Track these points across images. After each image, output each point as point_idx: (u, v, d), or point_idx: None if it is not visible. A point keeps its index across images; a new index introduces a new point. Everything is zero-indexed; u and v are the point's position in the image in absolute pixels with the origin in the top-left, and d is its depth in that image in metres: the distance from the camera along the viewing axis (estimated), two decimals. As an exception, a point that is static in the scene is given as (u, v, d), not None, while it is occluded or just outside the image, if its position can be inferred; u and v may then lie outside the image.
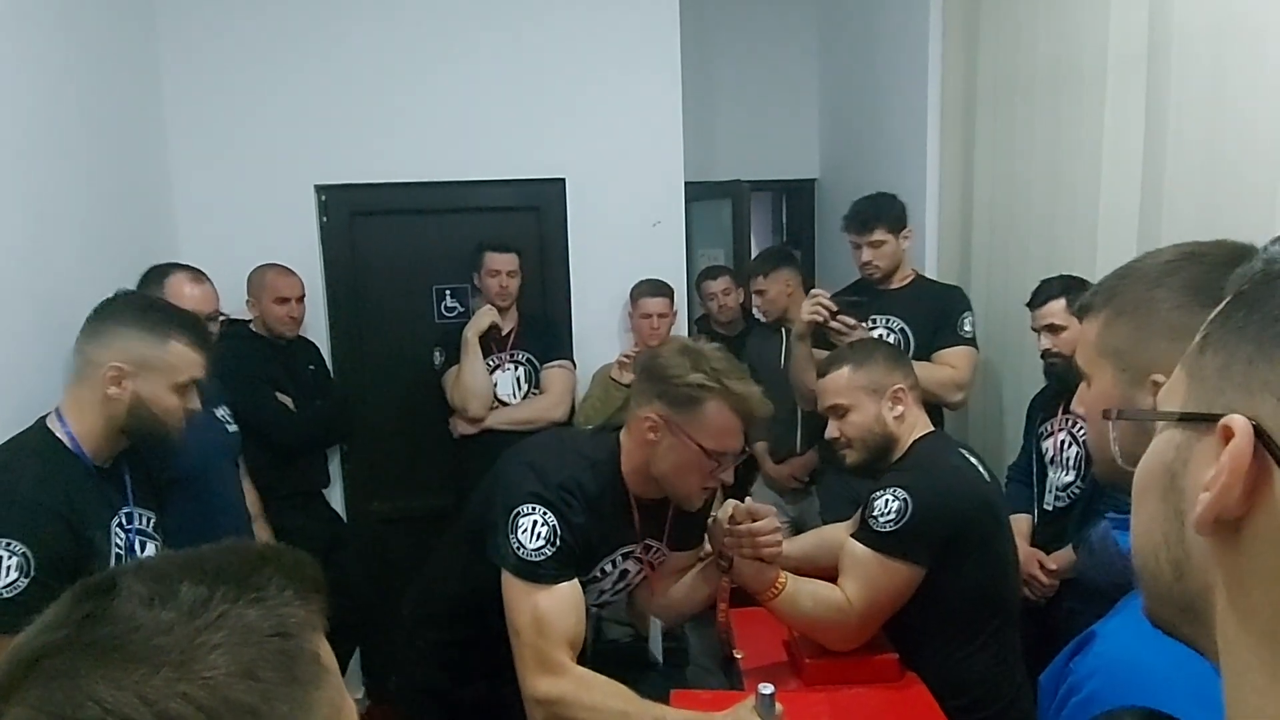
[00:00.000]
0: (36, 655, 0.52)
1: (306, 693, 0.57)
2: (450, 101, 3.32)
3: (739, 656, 1.95)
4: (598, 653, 1.91)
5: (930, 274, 3.44)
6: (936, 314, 2.91)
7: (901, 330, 2.93)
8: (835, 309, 2.71)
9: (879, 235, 2.92)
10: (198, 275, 2.40)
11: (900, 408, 1.95)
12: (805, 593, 1.81)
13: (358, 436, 3.44)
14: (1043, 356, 2.53)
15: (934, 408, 2.70)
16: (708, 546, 1.97)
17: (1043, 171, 2.80)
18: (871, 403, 1.95)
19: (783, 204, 5.56)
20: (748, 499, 1.84)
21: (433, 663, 1.94)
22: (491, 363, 3.20)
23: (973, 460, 1.95)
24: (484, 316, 3.15)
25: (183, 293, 2.34)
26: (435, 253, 3.46)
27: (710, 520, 1.88)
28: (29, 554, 1.51)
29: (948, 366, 2.82)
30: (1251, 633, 0.46)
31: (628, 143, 3.38)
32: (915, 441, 1.95)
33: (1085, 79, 2.56)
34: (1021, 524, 2.54)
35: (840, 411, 1.99)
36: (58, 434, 1.69)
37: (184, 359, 1.74)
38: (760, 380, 3.33)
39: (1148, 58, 2.30)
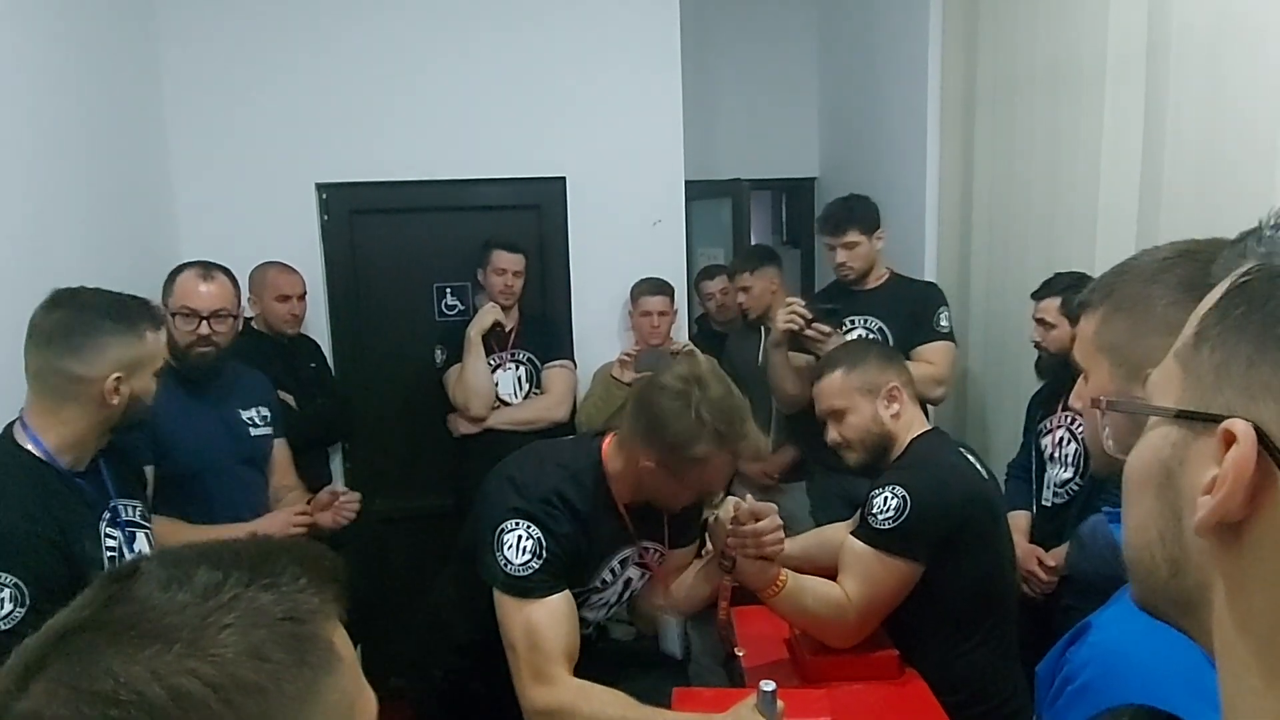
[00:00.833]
0: (61, 633, 0.55)
1: (317, 677, 0.58)
2: (451, 100, 3.32)
3: (740, 654, 1.96)
4: (599, 652, 1.91)
5: (929, 273, 3.45)
6: (913, 311, 2.94)
7: (880, 330, 2.95)
8: (810, 317, 2.74)
9: (852, 237, 2.95)
10: (211, 272, 2.32)
11: (896, 405, 1.97)
12: (806, 590, 1.82)
13: (358, 435, 3.45)
14: (1036, 346, 2.58)
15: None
16: (709, 545, 1.97)
17: (1042, 170, 2.81)
18: (867, 403, 1.96)
19: (783, 203, 5.57)
20: (749, 497, 1.84)
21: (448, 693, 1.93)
22: (493, 362, 3.20)
23: (970, 458, 1.96)
24: (487, 315, 3.16)
25: (185, 289, 2.29)
26: (436, 251, 3.47)
27: (711, 520, 1.88)
28: (20, 584, 1.48)
29: (925, 363, 2.84)
30: (1250, 634, 0.46)
31: (628, 141, 3.38)
32: (913, 439, 1.96)
33: (1084, 78, 2.57)
34: (1020, 520, 2.55)
35: (838, 415, 1.99)
36: (28, 447, 1.62)
37: (158, 345, 1.74)
38: (738, 378, 3.36)
39: (1147, 57, 2.31)
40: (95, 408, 1.65)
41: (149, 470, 2.14)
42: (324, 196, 3.37)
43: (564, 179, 3.42)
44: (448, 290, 3.49)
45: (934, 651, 1.85)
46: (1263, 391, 0.45)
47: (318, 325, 3.33)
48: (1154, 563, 0.52)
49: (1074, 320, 1.17)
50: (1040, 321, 2.53)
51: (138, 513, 1.82)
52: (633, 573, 1.90)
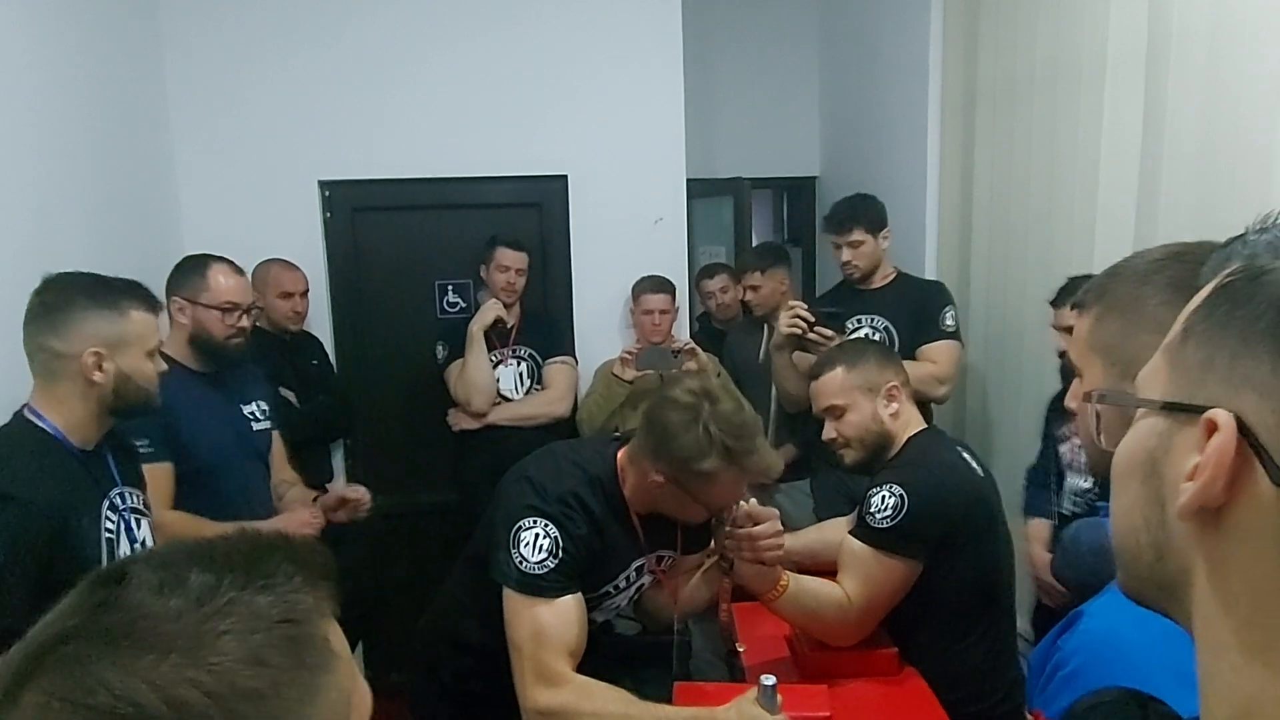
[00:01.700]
0: (50, 643, 0.53)
1: (315, 677, 0.57)
2: (454, 98, 3.33)
3: (741, 650, 1.98)
4: (602, 646, 1.92)
5: (930, 271, 3.46)
6: (919, 310, 2.94)
7: (886, 329, 2.96)
8: (813, 320, 2.75)
9: (857, 235, 2.96)
10: (236, 266, 2.39)
11: (895, 404, 1.98)
12: (807, 592, 1.82)
13: (360, 431, 3.46)
14: (1060, 356, 2.53)
15: (921, 404, 2.72)
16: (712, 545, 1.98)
17: (1042, 169, 2.82)
18: (867, 401, 1.97)
19: (784, 201, 5.58)
20: (751, 500, 1.83)
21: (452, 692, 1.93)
22: (494, 358, 3.21)
23: (967, 456, 1.97)
24: (489, 311, 3.17)
25: (223, 283, 2.32)
26: (438, 248, 3.48)
27: (714, 520, 1.88)
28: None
29: (929, 362, 2.85)
30: (1230, 614, 0.48)
31: (630, 140, 3.39)
32: (910, 438, 1.97)
33: (1084, 78, 2.58)
34: (1041, 530, 2.54)
35: (836, 412, 2.00)
36: (39, 424, 1.66)
37: (148, 325, 1.74)
38: (737, 375, 3.35)
39: (1146, 57, 2.31)
40: (83, 385, 1.66)
41: (168, 467, 2.18)
42: (327, 194, 3.38)
43: (565, 177, 3.43)
44: (449, 287, 3.50)
45: (932, 649, 1.87)
46: (1244, 384, 0.47)
47: (320, 322, 3.34)
48: (1139, 548, 0.54)
49: None
50: (1067, 329, 2.47)
51: (140, 500, 1.84)
52: (645, 579, 1.91)
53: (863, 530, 1.85)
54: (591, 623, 1.76)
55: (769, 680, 1.53)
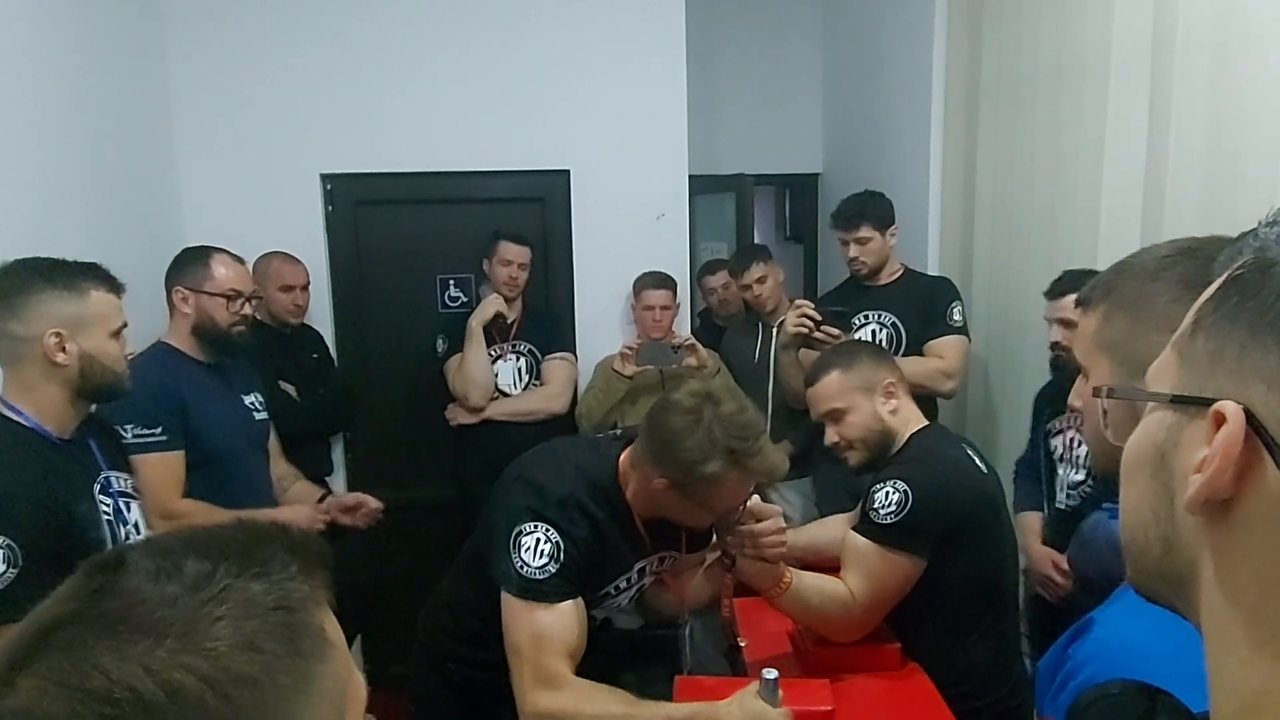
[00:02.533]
0: (47, 628, 0.53)
1: (309, 665, 0.57)
2: (456, 92, 3.33)
3: (743, 645, 1.97)
4: (602, 641, 1.91)
5: (933, 268, 3.45)
6: (926, 306, 2.95)
7: (894, 325, 2.96)
8: (819, 319, 2.75)
9: (864, 232, 2.96)
10: (236, 256, 2.41)
11: (894, 401, 1.97)
12: (810, 588, 1.82)
13: (360, 425, 3.46)
14: (1051, 348, 2.52)
15: (928, 399, 2.72)
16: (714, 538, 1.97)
17: (1045, 167, 2.81)
18: (866, 401, 1.97)
19: (786, 198, 5.57)
20: (753, 496, 1.82)
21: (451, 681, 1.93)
22: (493, 352, 3.21)
23: (971, 453, 1.97)
24: (490, 305, 3.17)
25: (226, 272, 2.34)
26: (440, 243, 3.47)
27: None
28: (12, 545, 1.49)
29: (936, 357, 2.85)
30: (1238, 607, 0.47)
31: (632, 135, 3.39)
32: (914, 434, 1.97)
33: (1089, 75, 2.57)
34: (1033, 522, 2.54)
35: (837, 415, 1.99)
36: (12, 417, 1.65)
37: (109, 305, 1.73)
38: (735, 372, 3.35)
39: (1151, 54, 2.31)
40: (47, 367, 1.65)
41: (181, 455, 2.20)
42: (329, 187, 3.38)
43: (568, 172, 3.42)
44: (451, 282, 3.49)
45: (935, 645, 1.86)
46: (1253, 375, 0.47)
47: (321, 315, 3.33)
48: (1148, 542, 0.54)
49: None
50: (1060, 321, 2.42)
51: (129, 484, 1.83)
52: (647, 579, 1.90)
53: (866, 526, 1.85)
54: (591, 620, 1.75)
55: (771, 674, 1.53)
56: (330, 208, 3.39)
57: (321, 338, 3.31)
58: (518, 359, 3.26)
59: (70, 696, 0.50)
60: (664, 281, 3.30)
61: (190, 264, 2.35)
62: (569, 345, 3.35)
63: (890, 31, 3.85)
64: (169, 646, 0.52)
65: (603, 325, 3.48)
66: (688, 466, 1.60)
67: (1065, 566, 2.38)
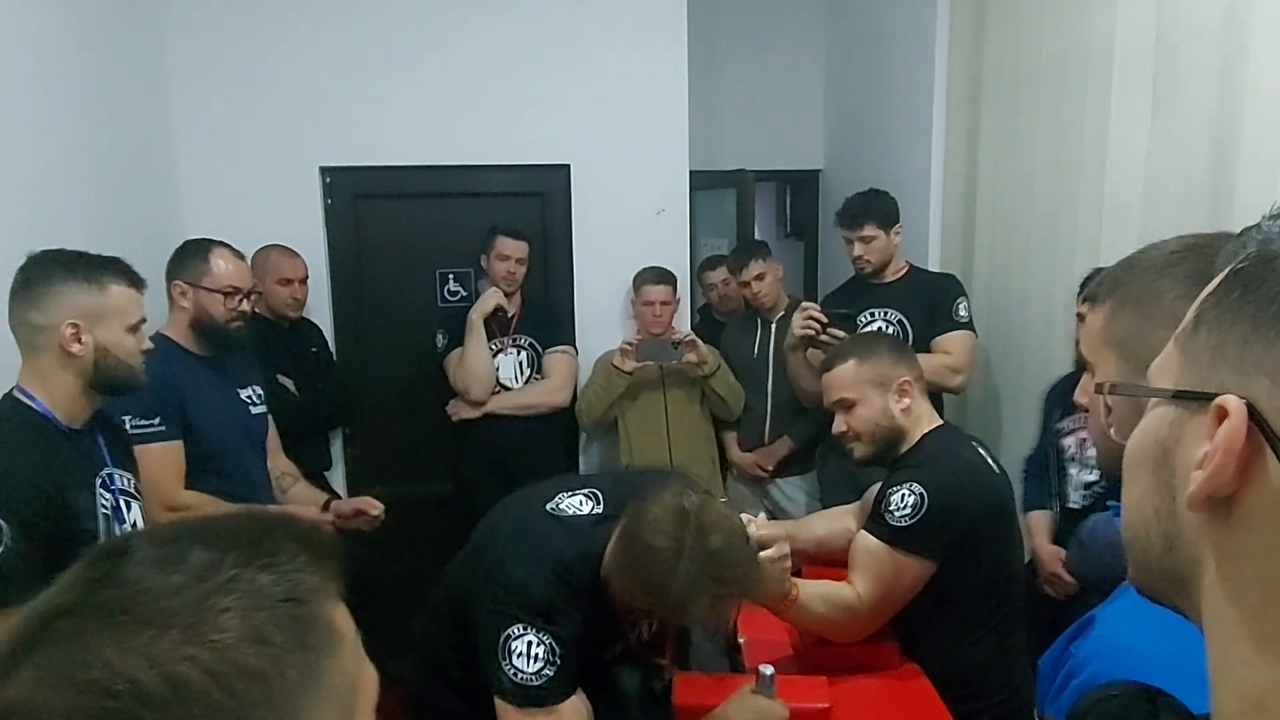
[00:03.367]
0: (48, 617, 0.52)
1: (319, 659, 0.56)
2: (457, 85, 3.31)
3: (742, 642, 1.97)
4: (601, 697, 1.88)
5: (934, 265, 3.45)
6: (932, 303, 2.95)
7: (899, 322, 2.96)
8: (826, 321, 2.76)
9: (869, 231, 2.95)
10: (236, 251, 2.41)
11: (907, 400, 1.94)
12: (816, 597, 1.81)
13: (359, 420, 3.45)
14: (1078, 345, 2.50)
15: (934, 395, 2.71)
16: None
17: (1047, 164, 2.80)
18: (878, 396, 1.95)
19: (787, 194, 5.56)
20: (761, 515, 1.79)
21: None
22: (494, 346, 3.20)
23: (984, 453, 1.95)
24: (489, 299, 3.16)
25: (225, 267, 2.33)
26: (439, 237, 3.46)
27: None
28: (3, 525, 1.50)
29: (943, 353, 2.86)
30: (1240, 606, 0.47)
31: (633, 131, 3.38)
32: (927, 435, 1.94)
33: (1091, 71, 2.56)
34: (1042, 521, 2.53)
35: (846, 405, 1.98)
36: (27, 402, 1.68)
37: (128, 299, 1.75)
38: (734, 369, 3.35)
39: (1154, 50, 2.30)
40: (62, 357, 1.67)
41: (180, 445, 2.20)
42: (328, 180, 3.37)
43: (568, 166, 3.41)
44: (450, 276, 3.48)
45: (938, 646, 1.86)
46: (1255, 369, 0.46)
47: (320, 309, 3.32)
48: (1149, 539, 0.53)
49: None
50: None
51: (131, 484, 1.84)
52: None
53: (880, 527, 1.83)
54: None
55: (767, 670, 1.53)
56: (329, 201, 3.38)
57: (320, 331, 3.30)
58: (519, 353, 3.25)
59: (69, 687, 0.49)
60: (664, 277, 3.29)
61: (190, 258, 2.35)
62: (570, 339, 3.35)
63: (892, 28, 3.84)
64: (173, 638, 0.50)
65: (602, 321, 3.47)
66: (669, 607, 1.52)
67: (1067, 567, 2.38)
